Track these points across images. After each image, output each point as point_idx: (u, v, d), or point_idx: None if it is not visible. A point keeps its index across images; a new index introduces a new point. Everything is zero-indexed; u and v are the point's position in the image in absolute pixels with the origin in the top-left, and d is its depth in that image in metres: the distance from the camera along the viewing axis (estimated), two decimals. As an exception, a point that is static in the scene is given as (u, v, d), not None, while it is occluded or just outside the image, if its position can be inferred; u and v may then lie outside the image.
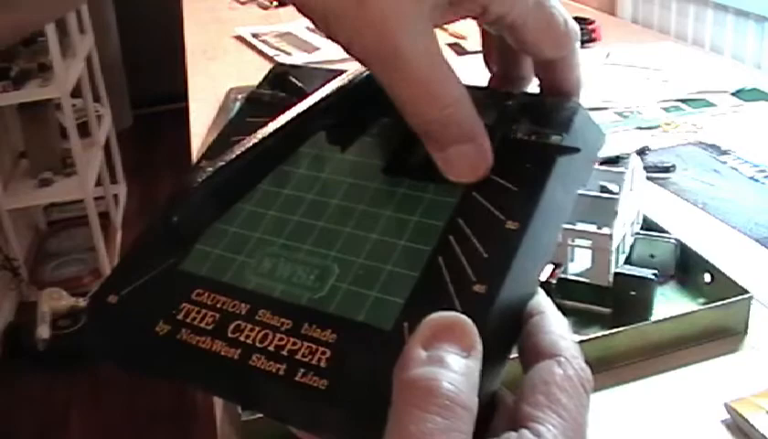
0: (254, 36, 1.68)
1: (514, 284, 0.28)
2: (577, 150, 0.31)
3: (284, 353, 0.28)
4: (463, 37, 1.57)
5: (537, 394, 0.26)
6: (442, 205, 0.31)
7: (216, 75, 1.46)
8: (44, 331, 2.15)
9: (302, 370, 0.27)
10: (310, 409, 0.27)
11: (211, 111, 1.26)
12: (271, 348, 0.28)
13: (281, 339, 0.28)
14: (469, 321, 0.26)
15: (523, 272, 0.29)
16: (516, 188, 0.30)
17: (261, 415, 0.57)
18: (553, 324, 0.29)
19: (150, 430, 2.00)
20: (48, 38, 2.14)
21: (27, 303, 2.35)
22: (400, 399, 0.24)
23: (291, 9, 0.33)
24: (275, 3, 1.96)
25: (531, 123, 0.32)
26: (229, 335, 0.29)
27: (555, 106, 0.33)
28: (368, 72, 0.34)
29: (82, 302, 2.23)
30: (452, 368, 0.24)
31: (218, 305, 0.30)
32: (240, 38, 1.68)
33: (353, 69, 0.36)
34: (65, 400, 2.10)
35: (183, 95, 1.43)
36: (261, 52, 1.59)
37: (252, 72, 1.41)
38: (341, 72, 0.36)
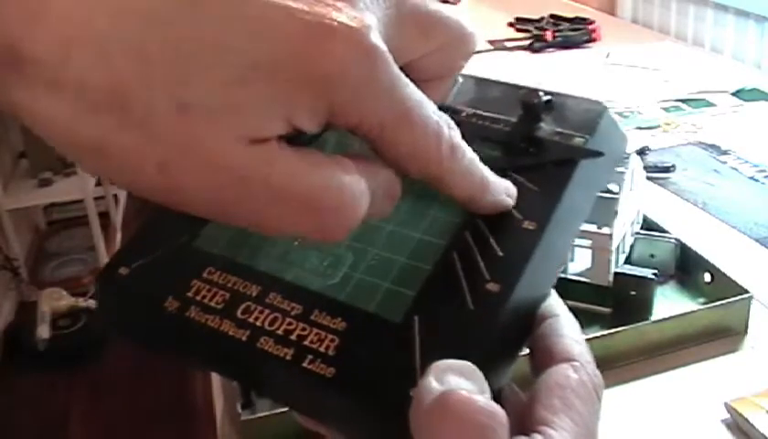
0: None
1: (528, 285, 0.28)
2: (600, 154, 0.30)
3: (293, 338, 0.28)
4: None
5: (552, 398, 0.26)
6: None
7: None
8: (44, 331, 2.15)
9: (309, 357, 0.27)
10: (315, 396, 0.27)
11: (211, 111, 1.26)
12: (279, 332, 0.28)
13: (290, 324, 0.28)
14: (478, 371, 0.24)
15: (538, 273, 0.28)
16: (536, 188, 0.30)
17: (261, 415, 0.57)
18: (566, 327, 0.28)
19: (150, 430, 2.00)
20: (48, 38, 2.14)
21: (27, 303, 2.35)
22: (427, 433, 0.22)
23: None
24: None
25: (556, 123, 0.31)
26: (239, 315, 0.29)
27: (580, 107, 0.32)
28: None
29: (82, 302, 2.23)
30: (465, 387, 0.23)
31: (229, 285, 0.30)
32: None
33: None
34: (65, 400, 2.10)
35: (183, 95, 1.43)
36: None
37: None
38: None
